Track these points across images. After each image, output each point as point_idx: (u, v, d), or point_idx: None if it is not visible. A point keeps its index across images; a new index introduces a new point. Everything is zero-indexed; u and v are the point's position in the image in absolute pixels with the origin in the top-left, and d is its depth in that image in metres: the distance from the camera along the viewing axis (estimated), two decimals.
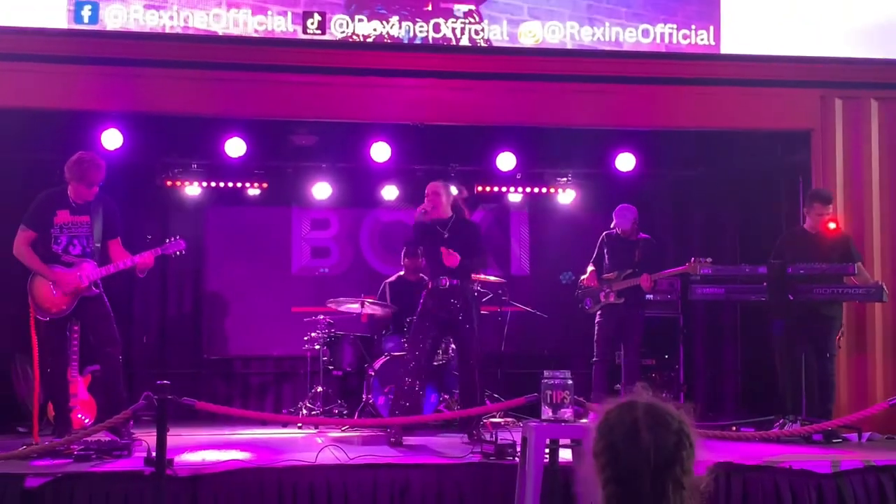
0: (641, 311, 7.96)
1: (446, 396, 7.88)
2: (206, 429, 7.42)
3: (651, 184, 9.52)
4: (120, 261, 6.46)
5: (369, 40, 7.58)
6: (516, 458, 5.23)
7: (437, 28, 7.65)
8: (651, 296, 8.81)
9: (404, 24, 7.62)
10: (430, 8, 7.66)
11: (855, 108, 7.79)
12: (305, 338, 8.26)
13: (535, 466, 4.59)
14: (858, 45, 7.90)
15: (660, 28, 7.83)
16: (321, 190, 9.17)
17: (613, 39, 7.79)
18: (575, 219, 9.50)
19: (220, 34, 7.41)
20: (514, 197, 9.60)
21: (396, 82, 7.56)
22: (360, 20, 7.58)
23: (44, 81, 7.05)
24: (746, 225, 9.43)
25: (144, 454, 5.07)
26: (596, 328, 7.95)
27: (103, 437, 5.87)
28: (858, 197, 7.72)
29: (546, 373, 4.84)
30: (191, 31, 7.38)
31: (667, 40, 7.84)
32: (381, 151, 8.30)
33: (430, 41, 7.65)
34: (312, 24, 7.48)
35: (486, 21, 7.69)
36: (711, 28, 7.88)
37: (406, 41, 7.64)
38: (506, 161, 8.62)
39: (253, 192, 9.15)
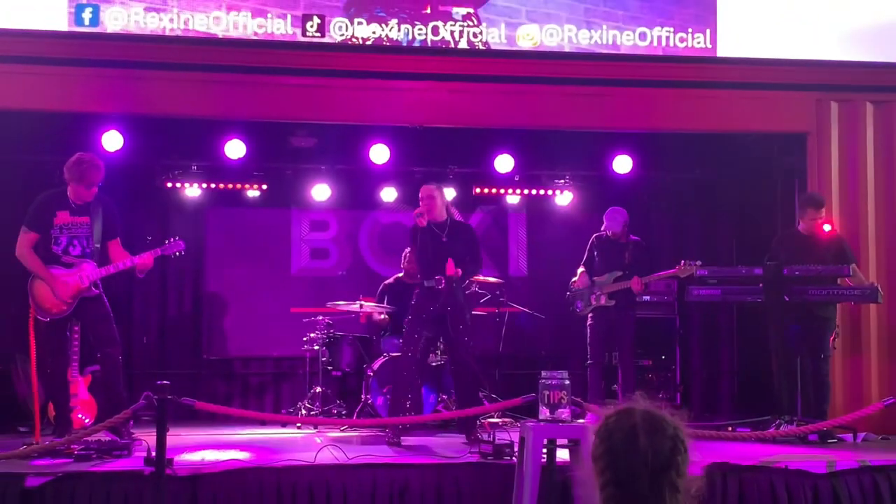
0: (632, 313, 7.99)
1: (444, 397, 7.91)
2: (206, 429, 7.44)
3: (648, 186, 9.57)
4: (119, 261, 6.48)
5: (368, 43, 7.62)
6: (514, 458, 5.26)
7: (435, 31, 7.70)
8: (648, 297, 8.85)
9: (403, 26, 7.66)
10: (428, 11, 7.70)
11: (850, 111, 7.83)
12: (304, 338, 8.29)
13: (532, 466, 4.62)
14: (854, 48, 7.94)
15: (657, 31, 7.87)
16: (320, 191, 9.20)
17: (611, 42, 7.83)
18: (572, 220, 9.54)
19: (220, 37, 7.45)
20: (512, 199, 9.64)
21: (395, 85, 7.59)
22: (359, 23, 7.62)
23: (44, 83, 7.08)
24: (742, 227, 9.47)
25: (144, 454, 5.10)
26: (588, 331, 7.99)
27: (103, 436, 5.89)
28: (854, 199, 7.75)
29: (543, 373, 4.87)
30: (191, 34, 7.41)
31: (664, 43, 7.89)
32: (379, 153, 8.33)
33: (429, 44, 7.69)
34: (312, 26, 7.52)
35: (484, 24, 7.73)
36: (708, 31, 7.92)
37: (405, 44, 7.68)
38: (504, 163, 8.65)
39: (252, 193, 9.19)
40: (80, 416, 7.16)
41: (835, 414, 7.04)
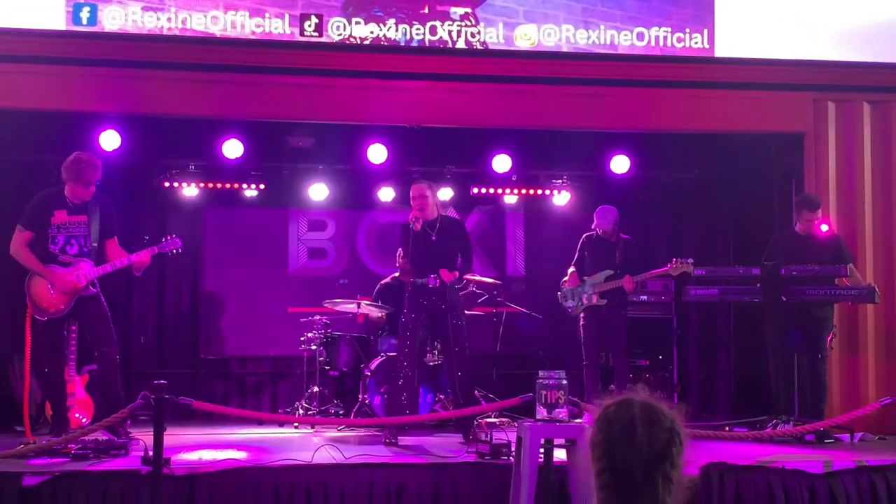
0: (624, 313, 8.00)
1: (441, 396, 7.91)
2: (203, 428, 7.44)
3: (645, 186, 9.58)
4: (117, 260, 6.49)
5: (366, 43, 7.62)
6: (511, 458, 5.26)
7: (433, 31, 7.70)
8: (645, 297, 8.87)
9: (401, 26, 7.67)
10: (426, 11, 7.71)
11: (848, 111, 7.84)
12: (302, 338, 8.30)
13: (529, 466, 4.62)
14: (851, 48, 7.95)
15: (654, 31, 7.88)
16: (318, 191, 9.21)
17: (608, 42, 7.84)
18: (570, 220, 9.53)
19: (218, 36, 7.45)
20: (510, 199, 9.65)
21: (393, 84, 7.58)
22: (356, 23, 7.62)
23: (42, 82, 7.08)
24: (740, 227, 9.48)
25: (141, 453, 5.11)
26: (581, 331, 8.00)
27: (101, 436, 5.89)
28: (851, 199, 7.76)
29: (541, 373, 4.87)
30: (188, 33, 7.41)
31: (661, 43, 7.89)
32: (377, 153, 8.33)
33: (427, 44, 7.69)
34: (310, 26, 7.52)
35: (482, 24, 7.74)
36: (706, 31, 7.93)
37: (403, 44, 7.68)
38: (501, 163, 8.65)
39: (250, 193, 9.19)
40: (77, 415, 7.16)
41: (832, 414, 7.05)
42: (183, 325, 9.44)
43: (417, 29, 7.68)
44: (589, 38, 7.83)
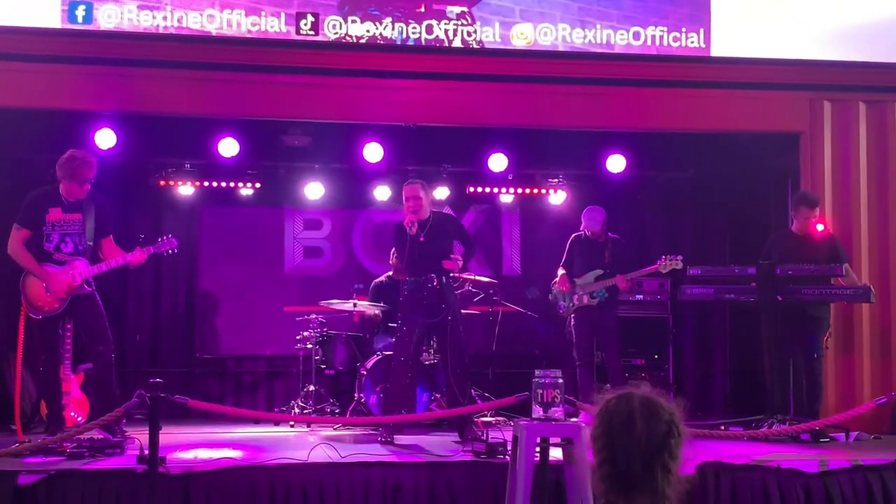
0: (615, 312, 8.02)
1: (437, 395, 7.91)
2: (199, 427, 7.43)
3: (641, 185, 9.58)
4: (112, 259, 6.48)
5: (362, 41, 7.62)
6: (507, 457, 5.26)
7: (429, 30, 7.69)
8: (640, 296, 8.88)
9: (397, 25, 7.66)
10: (422, 10, 7.70)
11: (843, 110, 7.84)
12: (298, 337, 8.29)
13: (525, 465, 4.62)
14: (847, 48, 7.96)
15: (651, 31, 7.88)
16: (314, 190, 9.20)
17: (605, 42, 7.84)
18: (566, 220, 9.51)
19: (214, 34, 7.44)
20: (506, 198, 9.65)
21: (389, 83, 7.58)
22: (353, 21, 7.62)
23: (37, 81, 7.06)
24: (736, 226, 9.49)
25: (137, 452, 5.10)
26: (573, 331, 8.01)
27: (96, 434, 5.89)
28: (846, 199, 7.77)
29: (537, 372, 4.86)
30: (184, 32, 7.41)
31: (657, 43, 7.90)
32: (373, 152, 8.32)
33: (423, 43, 7.69)
34: (306, 25, 7.51)
35: (478, 23, 7.74)
36: (702, 31, 7.93)
37: (399, 42, 7.68)
38: (497, 162, 8.64)
39: (246, 192, 9.18)
40: (72, 414, 7.14)
41: (827, 413, 7.06)
42: (178, 324, 9.44)
43: (414, 28, 7.68)
44: (585, 37, 7.83)
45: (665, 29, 7.90)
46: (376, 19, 7.63)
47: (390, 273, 8.56)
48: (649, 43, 7.89)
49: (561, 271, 8.10)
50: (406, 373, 6.85)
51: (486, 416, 7.65)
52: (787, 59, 7.90)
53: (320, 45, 7.56)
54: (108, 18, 7.32)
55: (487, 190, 9.47)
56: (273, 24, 7.50)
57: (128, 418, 6.34)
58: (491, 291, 8.64)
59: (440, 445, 6.42)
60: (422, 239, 6.87)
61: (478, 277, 8.57)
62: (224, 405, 8.37)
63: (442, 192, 9.18)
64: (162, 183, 8.88)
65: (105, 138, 7.70)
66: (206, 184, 9.00)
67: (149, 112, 7.46)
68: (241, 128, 8.14)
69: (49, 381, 6.47)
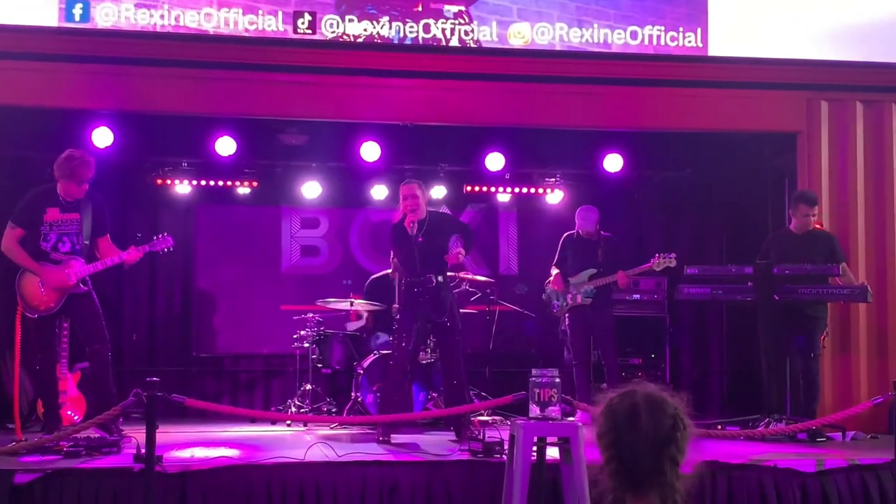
0: (610, 311, 8.02)
1: (434, 394, 7.91)
2: (196, 426, 7.43)
3: (638, 184, 9.59)
4: (108, 258, 6.47)
5: (359, 40, 7.62)
6: (504, 456, 5.26)
7: (427, 29, 7.69)
8: (637, 296, 8.88)
9: (394, 24, 7.66)
10: (420, 9, 7.70)
11: (841, 110, 7.85)
12: (294, 336, 8.29)
13: (522, 464, 4.62)
14: (845, 48, 7.96)
15: (648, 30, 7.88)
16: (311, 189, 9.20)
17: (602, 41, 7.84)
18: (563, 219, 9.51)
19: (211, 33, 7.44)
20: (503, 197, 9.64)
21: (386, 82, 7.58)
22: (350, 20, 7.61)
23: (34, 79, 7.06)
24: (733, 226, 9.50)
25: (134, 451, 5.10)
26: (568, 331, 8.02)
27: (93, 433, 5.86)
28: (843, 199, 7.78)
29: (534, 371, 4.87)
30: (182, 30, 7.40)
31: (655, 42, 7.90)
32: (370, 151, 8.32)
33: (420, 42, 7.69)
34: (303, 23, 7.51)
35: (475, 22, 7.73)
36: (699, 30, 7.94)
37: (396, 41, 7.68)
38: (495, 161, 8.65)
39: (243, 190, 9.18)
40: (69, 412, 7.13)
41: (824, 413, 7.06)
42: (175, 323, 9.43)
43: (411, 27, 7.67)
44: (582, 36, 7.83)
45: (662, 28, 7.90)
46: (373, 18, 7.63)
47: (388, 271, 8.57)
48: (646, 42, 7.89)
49: (554, 271, 8.10)
50: (403, 371, 6.85)
51: (482, 415, 7.63)
52: (785, 58, 7.91)
53: (317, 44, 7.56)
54: (105, 17, 7.32)
55: (484, 189, 9.47)
56: (270, 23, 7.49)
57: (124, 417, 6.33)
58: (488, 291, 8.64)
59: (437, 444, 6.41)
60: (419, 238, 6.85)
61: (475, 277, 8.57)
62: (221, 404, 8.36)
63: (439, 192, 9.18)
64: (159, 181, 8.87)
65: (102, 137, 7.70)
66: (202, 182, 9.00)
67: (146, 110, 7.47)
68: (238, 126, 8.15)
69: (46, 380, 6.46)
